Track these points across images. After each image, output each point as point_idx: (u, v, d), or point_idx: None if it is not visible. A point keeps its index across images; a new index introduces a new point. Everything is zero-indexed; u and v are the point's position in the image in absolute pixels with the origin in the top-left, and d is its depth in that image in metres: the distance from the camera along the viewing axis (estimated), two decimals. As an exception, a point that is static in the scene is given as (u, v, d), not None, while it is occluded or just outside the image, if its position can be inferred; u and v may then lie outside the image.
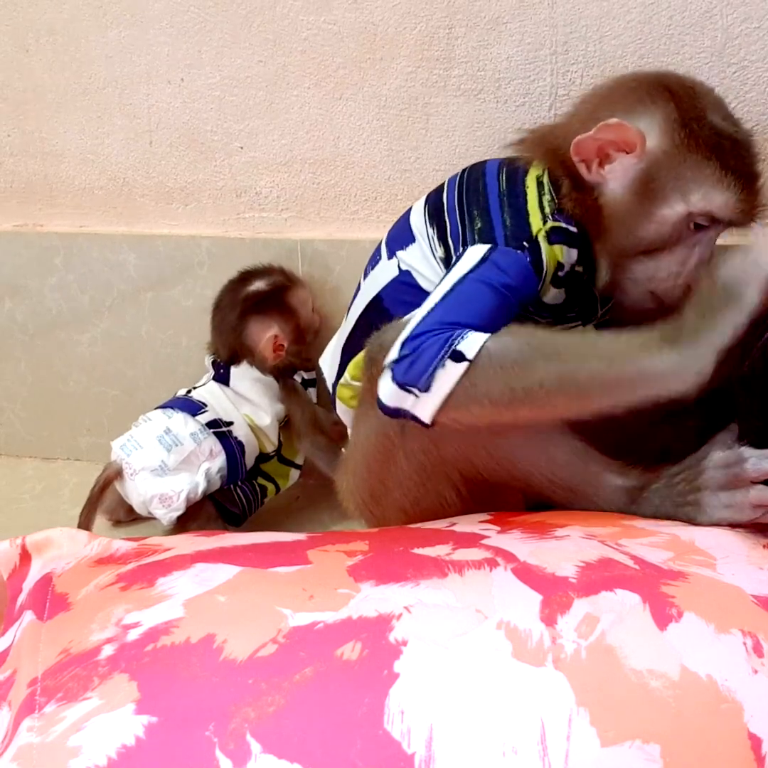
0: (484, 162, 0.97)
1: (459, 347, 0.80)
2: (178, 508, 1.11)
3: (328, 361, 1.06)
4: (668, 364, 0.78)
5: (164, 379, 1.33)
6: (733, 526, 0.82)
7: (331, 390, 1.05)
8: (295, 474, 1.25)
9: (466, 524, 0.86)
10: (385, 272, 0.97)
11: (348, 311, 1.04)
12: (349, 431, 1.03)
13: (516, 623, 0.65)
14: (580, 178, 0.91)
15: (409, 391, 0.81)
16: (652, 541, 0.77)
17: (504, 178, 0.93)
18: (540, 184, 0.92)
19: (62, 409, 1.40)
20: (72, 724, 0.60)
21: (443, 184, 0.98)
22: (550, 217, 0.89)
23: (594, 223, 0.91)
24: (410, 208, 1.00)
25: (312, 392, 1.24)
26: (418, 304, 0.90)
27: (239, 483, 1.18)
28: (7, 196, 1.36)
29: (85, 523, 1.13)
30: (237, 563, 0.74)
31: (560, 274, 0.90)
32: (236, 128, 1.24)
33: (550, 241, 0.89)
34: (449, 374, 0.80)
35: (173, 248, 1.29)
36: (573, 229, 0.90)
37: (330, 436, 1.20)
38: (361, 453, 0.96)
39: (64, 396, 1.39)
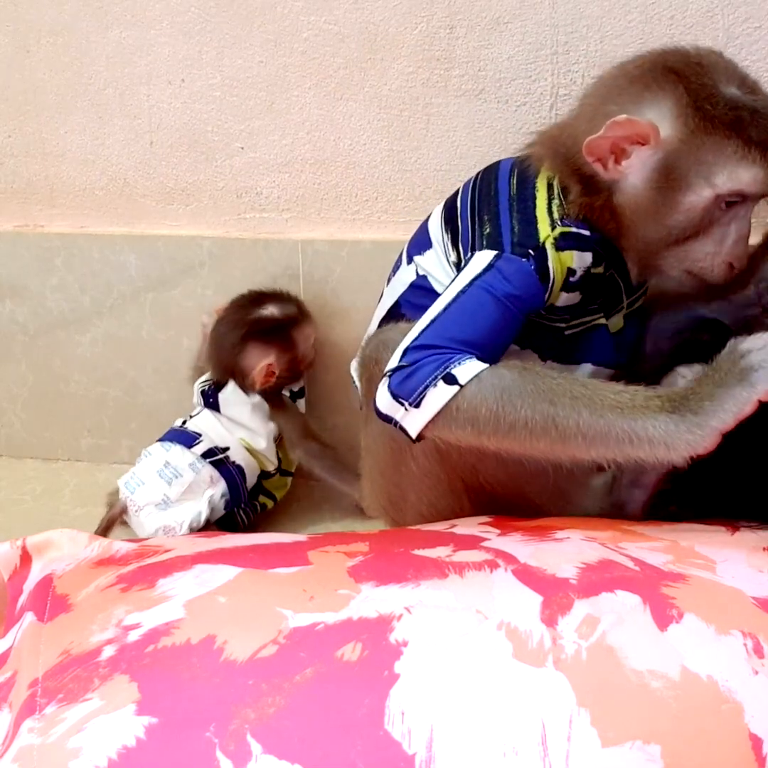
0: (499, 162, 0.95)
1: (454, 371, 0.80)
2: None
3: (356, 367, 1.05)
4: (661, 431, 0.76)
5: (165, 379, 1.33)
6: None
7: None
8: (288, 482, 1.25)
9: (466, 527, 0.86)
10: (404, 277, 0.96)
11: (373, 318, 1.02)
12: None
13: (516, 624, 0.65)
14: (592, 181, 0.87)
15: (401, 404, 0.82)
16: (652, 546, 0.77)
17: (515, 180, 0.91)
18: (550, 187, 0.89)
19: (63, 409, 1.40)
20: (72, 725, 0.60)
21: (459, 188, 0.96)
22: (558, 222, 0.86)
23: (611, 224, 0.88)
24: (431, 214, 0.98)
25: (301, 403, 1.24)
26: None
27: (242, 505, 1.19)
28: (8, 197, 1.36)
29: None
30: (237, 564, 0.74)
31: (572, 279, 0.87)
32: (237, 129, 1.24)
33: (559, 247, 0.86)
34: (439, 395, 0.80)
35: (174, 249, 1.29)
36: (586, 232, 0.87)
37: (322, 442, 1.20)
38: (373, 457, 0.95)
39: (64, 397, 1.39)
